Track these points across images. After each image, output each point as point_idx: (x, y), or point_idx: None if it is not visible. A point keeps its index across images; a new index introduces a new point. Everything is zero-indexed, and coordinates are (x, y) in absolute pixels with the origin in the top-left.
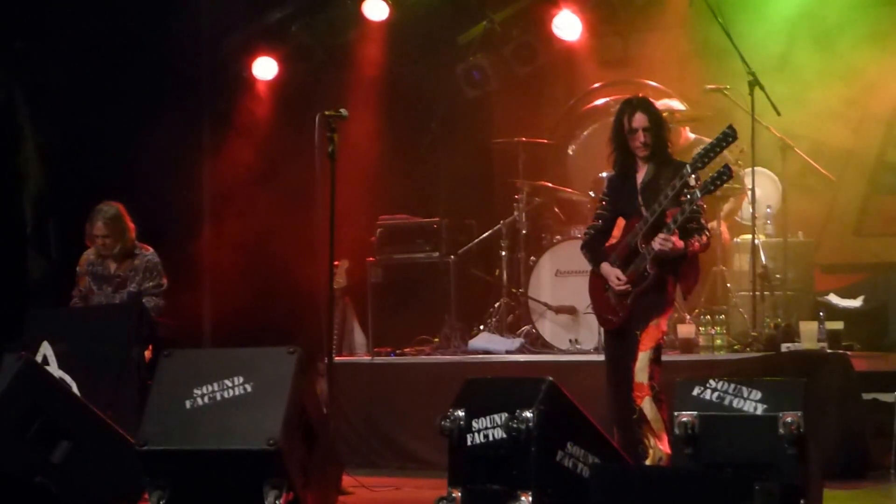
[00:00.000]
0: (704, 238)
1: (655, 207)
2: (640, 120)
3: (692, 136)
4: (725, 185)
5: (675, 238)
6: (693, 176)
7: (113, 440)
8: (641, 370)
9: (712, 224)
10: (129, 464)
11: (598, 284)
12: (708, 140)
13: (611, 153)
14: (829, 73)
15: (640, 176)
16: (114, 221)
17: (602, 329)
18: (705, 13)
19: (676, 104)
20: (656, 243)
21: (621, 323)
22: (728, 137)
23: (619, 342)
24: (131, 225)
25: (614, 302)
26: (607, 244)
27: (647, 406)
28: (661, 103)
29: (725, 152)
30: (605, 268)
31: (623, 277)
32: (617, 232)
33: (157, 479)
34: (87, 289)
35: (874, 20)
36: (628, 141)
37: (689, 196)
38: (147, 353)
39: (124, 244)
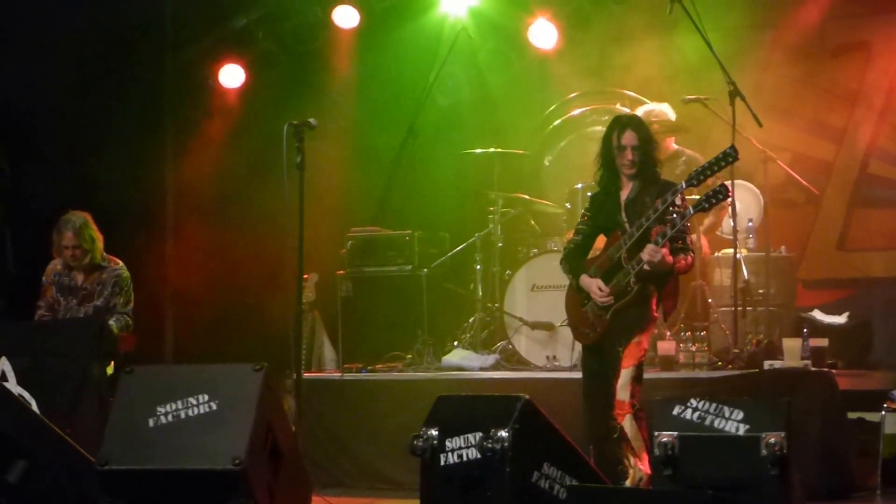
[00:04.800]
0: (690, 258)
1: (642, 222)
2: (629, 138)
3: (675, 146)
4: None
5: (664, 251)
6: (681, 194)
7: (72, 459)
8: (623, 387)
9: (692, 237)
10: (90, 484)
11: (575, 298)
12: (690, 152)
13: (598, 170)
14: (811, 83)
15: (625, 193)
16: (83, 231)
17: (579, 345)
18: (685, 22)
19: (668, 110)
20: (645, 254)
21: (598, 338)
22: (729, 157)
23: (597, 358)
24: (99, 235)
25: (592, 317)
26: (587, 259)
27: (627, 424)
28: (654, 108)
29: None
30: (586, 280)
31: (605, 289)
32: (599, 245)
33: (118, 500)
34: (53, 300)
35: (855, 30)
36: (615, 158)
37: (678, 212)
38: (108, 370)
39: (93, 255)
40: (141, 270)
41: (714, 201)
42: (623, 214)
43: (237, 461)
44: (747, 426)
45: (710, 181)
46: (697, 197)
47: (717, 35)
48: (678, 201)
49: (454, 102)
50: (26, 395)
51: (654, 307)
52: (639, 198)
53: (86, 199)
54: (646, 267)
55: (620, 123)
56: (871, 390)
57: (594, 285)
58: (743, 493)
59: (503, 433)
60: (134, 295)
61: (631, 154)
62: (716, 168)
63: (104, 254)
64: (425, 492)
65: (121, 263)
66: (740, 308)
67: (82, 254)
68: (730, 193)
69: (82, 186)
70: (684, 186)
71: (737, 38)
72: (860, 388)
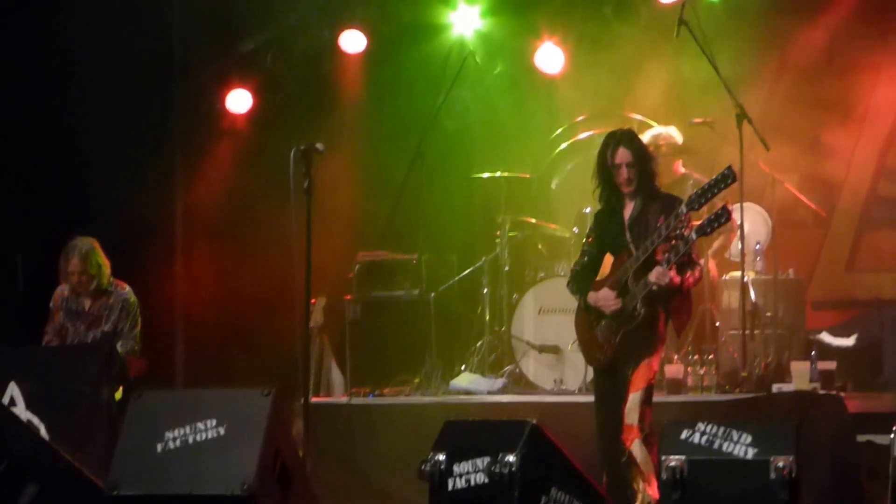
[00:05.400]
0: (698, 272)
1: (647, 245)
2: (622, 155)
3: (682, 170)
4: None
5: (672, 273)
6: (685, 215)
7: (81, 484)
8: (631, 411)
9: (700, 261)
10: None
11: (585, 321)
12: (697, 175)
13: (596, 187)
14: (818, 105)
15: (628, 211)
16: (89, 257)
17: (589, 368)
18: (691, 45)
19: (675, 133)
20: (653, 276)
21: (608, 361)
22: (727, 179)
23: (608, 381)
24: (106, 260)
25: (601, 339)
26: (595, 281)
27: (636, 449)
28: (661, 131)
29: None
30: (593, 295)
31: (612, 292)
32: (605, 269)
33: None
34: (61, 325)
35: (862, 51)
36: (612, 176)
37: (682, 236)
38: (117, 394)
39: (100, 280)
40: (150, 293)
41: (716, 224)
42: (628, 235)
43: (246, 486)
44: (756, 450)
45: (716, 202)
46: (699, 223)
47: (723, 58)
48: (682, 221)
49: (461, 126)
50: (35, 419)
51: (663, 328)
52: (642, 217)
53: (96, 222)
54: (654, 288)
55: (613, 140)
56: (880, 413)
57: (603, 297)
58: None
59: (511, 457)
60: (143, 318)
61: (626, 172)
62: (715, 191)
63: (111, 278)
64: None
65: (127, 288)
66: (748, 331)
67: (88, 280)
68: (732, 215)
69: (93, 210)
70: (685, 211)
71: (743, 60)
72: (870, 411)
